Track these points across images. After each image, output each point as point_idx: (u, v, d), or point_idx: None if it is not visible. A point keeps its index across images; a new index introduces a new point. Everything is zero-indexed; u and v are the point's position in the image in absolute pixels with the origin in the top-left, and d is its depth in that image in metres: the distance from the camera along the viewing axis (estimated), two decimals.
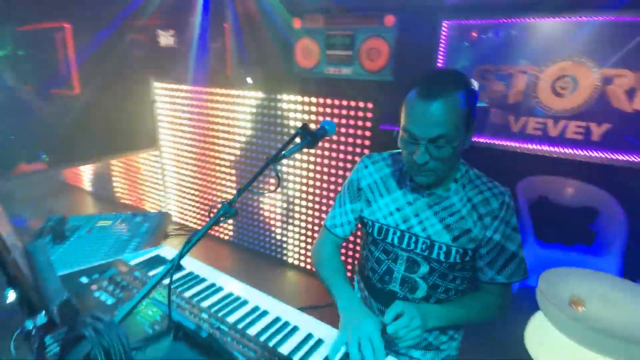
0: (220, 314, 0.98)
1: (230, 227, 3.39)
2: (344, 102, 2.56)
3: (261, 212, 3.13)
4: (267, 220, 3.12)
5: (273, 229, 3.11)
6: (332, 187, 2.72)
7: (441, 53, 3.32)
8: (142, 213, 1.87)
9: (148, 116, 3.50)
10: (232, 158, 3.18)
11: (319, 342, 0.93)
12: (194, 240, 0.76)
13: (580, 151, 2.89)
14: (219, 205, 0.81)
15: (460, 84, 0.86)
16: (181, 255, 0.74)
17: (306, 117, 2.73)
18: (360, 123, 2.52)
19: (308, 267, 3.01)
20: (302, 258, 3.04)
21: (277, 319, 1.00)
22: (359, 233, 2.69)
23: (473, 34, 3.21)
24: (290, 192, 2.94)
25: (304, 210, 2.91)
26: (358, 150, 2.55)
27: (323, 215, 2.82)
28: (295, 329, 0.97)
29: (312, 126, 2.23)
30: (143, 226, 1.73)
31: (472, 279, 1.06)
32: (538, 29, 2.89)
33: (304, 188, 2.85)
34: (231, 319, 0.98)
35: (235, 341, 0.85)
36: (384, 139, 2.60)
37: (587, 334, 1.96)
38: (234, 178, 3.23)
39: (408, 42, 3.42)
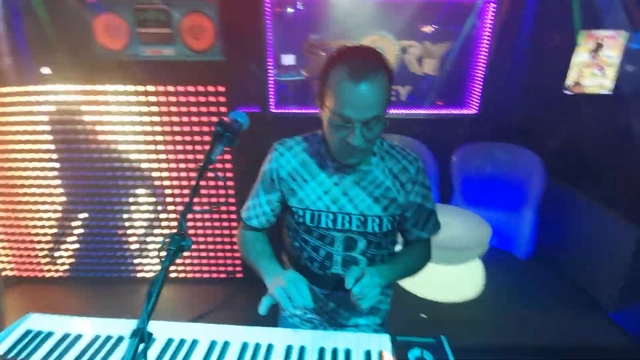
0: None
1: (64, 259, 2.67)
2: (190, 88, 2.31)
3: (100, 229, 2.58)
4: (115, 237, 2.60)
5: (126, 245, 2.62)
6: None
7: (269, 29, 3.34)
8: None
9: None
10: (42, 172, 2.45)
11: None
12: (155, 294, 0.58)
13: (395, 110, 3.50)
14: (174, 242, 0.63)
15: (383, 62, 0.89)
16: (147, 319, 0.55)
17: (144, 109, 2.33)
18: (213, 109, 2.33)
19: (181, 275, 2.71)
20: (173, 267, 2.70)
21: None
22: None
23: (294, 10, 3.35)
24: (142, 199, 2.51)
25: (164, 215, 2.55)
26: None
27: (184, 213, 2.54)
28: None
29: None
30: None
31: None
32: (351, 7, 3.25)
33: (160, 190, 2.49)
34: None
35: None
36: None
37: (435, 253, 2.55)
38: (55, 191, 2.51)
39: (234, 19, 3.29)
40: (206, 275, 2.70)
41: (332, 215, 1.04)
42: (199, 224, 2.57)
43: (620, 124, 3.40)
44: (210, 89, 2.29)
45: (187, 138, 2.37)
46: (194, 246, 2.63)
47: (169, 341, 0.89)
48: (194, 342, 0.88)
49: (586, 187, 2.95)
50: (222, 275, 2.70)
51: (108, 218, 2.53)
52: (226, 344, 0.88)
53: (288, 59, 3.66)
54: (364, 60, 0.86)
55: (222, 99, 2.32)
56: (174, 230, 0.66)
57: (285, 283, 0.88)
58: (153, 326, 0.92)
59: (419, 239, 1.14)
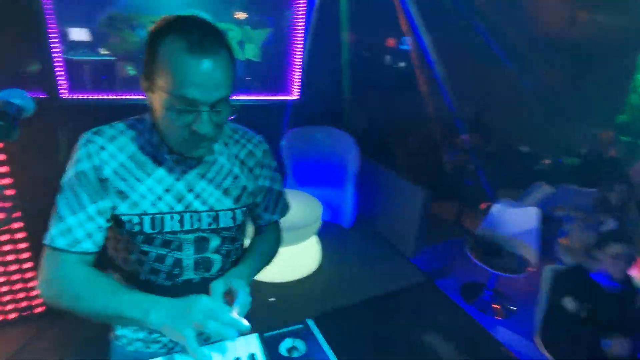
0: None
1: None
2: None
3: None
4: None
5: None
6: None
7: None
8: None
9: None
10: None
11: None
12: None
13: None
14: None
15: (222, 35, 0.76)
16: None
17: None
18: None
19: None
20: None
21: None
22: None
23: None
24: None
25: None
26: None
27: None
28: None
29: None
30: None
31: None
32: None
33: None
34: None
35: None
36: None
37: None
38: None
39: None
40: None
41: (178, 215, 0.88)
42: None
43: (401, 110, 4.26)
44: None
45: None
46: None
47: None
48: None
49: (385, 160, 3.59)
50: (13, 316, 2.02)
51: None
52: None
53: (79, 34, 2.97)
54: (202, 32, 0.72)
55: None
56: None
57: (203, 322, 0.70)
58: None
59: (269, 222, 1.10)
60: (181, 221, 0.89)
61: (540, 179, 3.74)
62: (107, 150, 0.83)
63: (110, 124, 0.87)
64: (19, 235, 1.92)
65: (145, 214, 0.85)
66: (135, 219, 0.85)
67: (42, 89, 2.56)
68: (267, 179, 1.04)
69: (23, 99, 0.67)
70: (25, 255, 1.96)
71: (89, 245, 0.82)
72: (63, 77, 2.75)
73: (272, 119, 3.57)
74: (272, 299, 2.48)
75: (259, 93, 3.57)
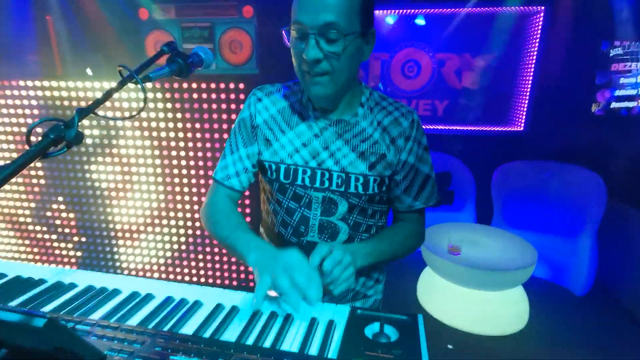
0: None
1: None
2: (212, 85, 2.35)
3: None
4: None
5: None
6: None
7: None
8: None
9: None
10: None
11: (234, 310, 0.73)
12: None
13: (430, 125, 3.30)
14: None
15: None
16: None
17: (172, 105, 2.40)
18: (233, 106, 2.34)
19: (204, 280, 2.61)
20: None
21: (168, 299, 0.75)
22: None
23: None
24: (162, 188, 2.52)
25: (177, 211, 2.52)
26: None
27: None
28: (197, 304, 0.74)
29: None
30: None
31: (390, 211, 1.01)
32: (384, 20, 3.21)
33: (183, 181, 2.48)
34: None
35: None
36: None
37: (464, 273, 2.22)
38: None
39: (269, 32, 3.39)
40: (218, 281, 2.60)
41: (310, 170, 0.89)
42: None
43: None
44: (231, 85, 2.32)
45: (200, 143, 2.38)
46: (206, 249, 2.54)
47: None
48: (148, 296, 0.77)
49: None
50: (233, 283, 2.58)
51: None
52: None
53: None
54: None
55: (242, 96, 2.32)
56: None
57: (290, 271, 0.71)
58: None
59: (410, 210, 0.94)
60: (312, 177, 0.89)
61: None
62: (263, 103, 0.95)
63: (274, 83, 0.99)
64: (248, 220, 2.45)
65: (282, 162, 0.91)
66: (273, 167, 0.91)
67: None
68: (413, 155, 0.91)
69: (207, 54, 0.86)
70: None
71: (235, 183, 0.94)
72: None
73: (488, 151, 3.19)
74: (450, 347, 2.09)
75: (476, 123, 3.29)
